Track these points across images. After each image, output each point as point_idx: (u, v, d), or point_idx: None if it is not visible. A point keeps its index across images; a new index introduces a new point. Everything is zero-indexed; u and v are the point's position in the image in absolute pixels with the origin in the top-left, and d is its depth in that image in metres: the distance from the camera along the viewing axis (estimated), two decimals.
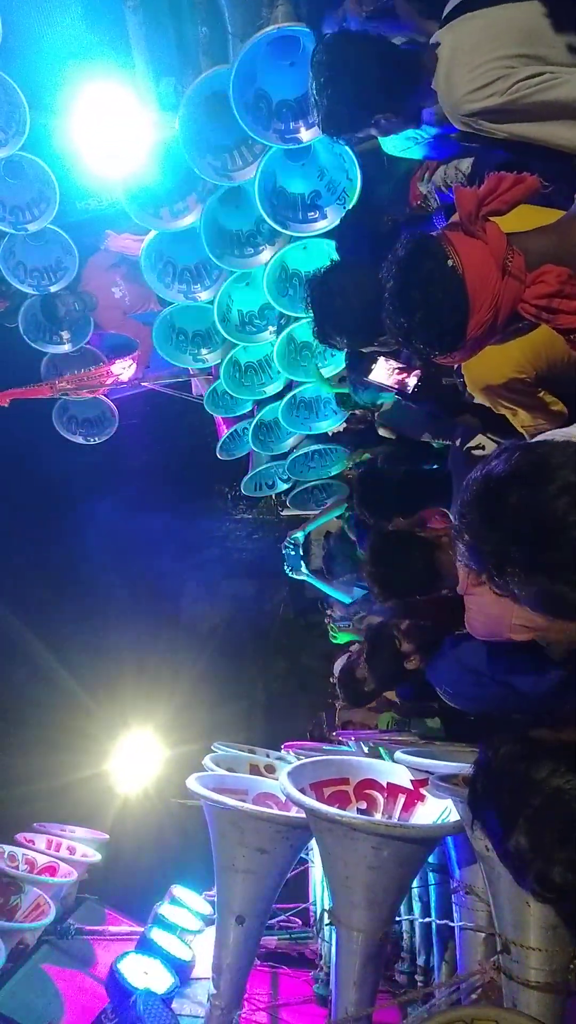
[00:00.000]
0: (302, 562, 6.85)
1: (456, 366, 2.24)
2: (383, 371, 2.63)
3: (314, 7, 3.61)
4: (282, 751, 4.50)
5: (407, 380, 2.57)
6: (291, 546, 6.71)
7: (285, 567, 6.90)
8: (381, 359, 2.61)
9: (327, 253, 4.41)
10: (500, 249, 1.52)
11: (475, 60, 1.85)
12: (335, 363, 4.88)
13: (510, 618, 2.42)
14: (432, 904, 3.19)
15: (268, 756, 4.13)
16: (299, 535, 6.73)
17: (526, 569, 1.23)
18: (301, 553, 6.73)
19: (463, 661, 2.88)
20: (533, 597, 1.28)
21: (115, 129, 4.18)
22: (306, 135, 3.75)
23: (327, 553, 6.41)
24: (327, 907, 2.99)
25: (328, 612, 7.61)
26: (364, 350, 2.66)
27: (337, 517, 6.61)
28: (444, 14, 2.02)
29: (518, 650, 2.55)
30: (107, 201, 4.91)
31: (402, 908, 3.17)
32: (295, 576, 6.95)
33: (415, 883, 3.08)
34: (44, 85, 4.40)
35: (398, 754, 2.72)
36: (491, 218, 1.55)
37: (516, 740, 1.58)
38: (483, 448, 2.83)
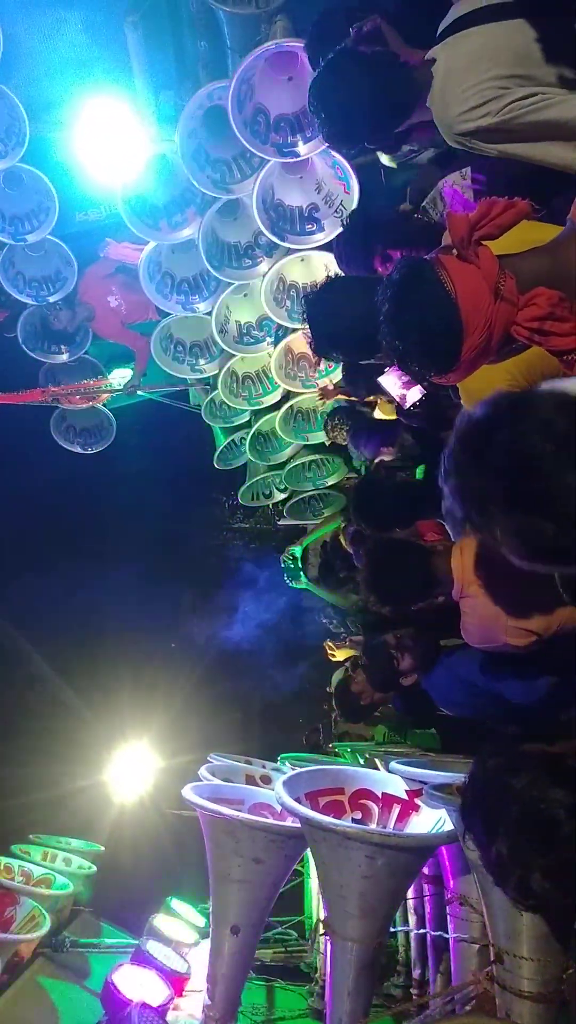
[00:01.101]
0: (301, 573, 6.88)
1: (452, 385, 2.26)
2: (391, 381, 2.66)
3: (312, 23, 3.68)
4: (278, 762, 4.50)
5: (409, 395, 2.60)
6: (289, 559, 6.75)
7: (285, 578, 6.93)
8: (391, 370, 2.64)
9: (325, 265, 4.46)
10: (492, 273, 1.55)
11: (470, 80, 1.88)
12: (331, 373, 4.92)
13: (505, 621, 2.44)
14: (427, 915, 3.18)
15: (264, 767, 4.12)
16: (297, 549, 6.77)
17: (505, 503, 1.25)
18: (300, 565, 6.77)
19: (456, 671, 2.90)
20: (514, 539, 1.29)
21: (114, 142, 4.23)
22: (304, 149, 3.79)
23: (323, 562, 6.43)
24: (321, 917, 2.99)
25: (325, 621, 7.62)
26: (362, 363, 2.68)
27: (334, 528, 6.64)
28: (439, 31, 2.05)
29: (509, 661, 2.56)
30: (106, 212, 4.95)
31: (397, 920, 3.16)
32: (295, 586, 6.98)
33: (409, 894, 3.08)
34: (44, 98, 4.44)
35: (393, 764, 2.72)
36: (483, 242, 1.58)
37: (504, 752, 1.60)
38: None
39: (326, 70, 2.13)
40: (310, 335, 2.45)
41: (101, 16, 4.23)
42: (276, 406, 5.60)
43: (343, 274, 2.91)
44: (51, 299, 5.24)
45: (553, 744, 1.70)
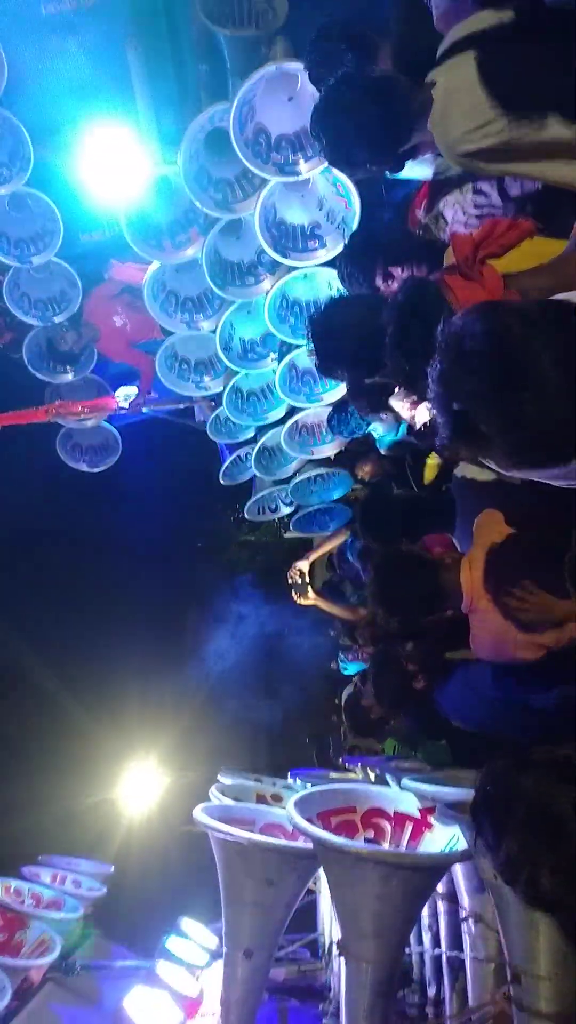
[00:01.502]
0: (308, 588, 6.89)
1: None
2: (399, 402, 2.68)
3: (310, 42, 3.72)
4: (289, 779, 4.48)
5: (418, 414, 2.61)
6: (297, 575, 6.76)
7: (293, 594, 6.93)
8: (399, 390, 2.66)
9: (328, 282, 4.49)
10: (497, 292, 1.57)
11: (470, 101, 1.90)
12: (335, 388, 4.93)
13: (515, 635, 2.44)
14: (442, 934, 3.15)
15: (275, 784, 4.11)
16: (304, 566, 6.78)
17: (487, 392, 1.27)
18: (307, 580, 6.77)
19: (472, 684, 2.88)
20: (499, 433, 1.30)
21: (117, 164, 4.27)
22: (305, 168, 3.82)
23: (329, 580, 6.45)
24: (335, 938, 2.96)
25: (333, 634, 7.60)
26: (366, 381, 2.70)
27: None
28: (438, 54, 2.07)
29: (526, 669, 2.55)
30: (110, 233, 4.99)
31: (411, 939, 3.13)
32: (303, 603, 6.98)
33: (424, 912, 3.05)
34: (48, 122, 4.49)
35: (405, 781, 2.70)
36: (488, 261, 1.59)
37: (512, 754, 1.62)
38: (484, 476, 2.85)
39: (327, 96, 2.15)
40: (314, 354, 2.47)
41: (103, 40, 4.29)
42: (281, 421, 5.62)
43: (346, 292, 2.92)
44: (56, 319, 5.28)
45: (562, 747, 1.72)
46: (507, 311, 1.29)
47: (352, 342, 2.36)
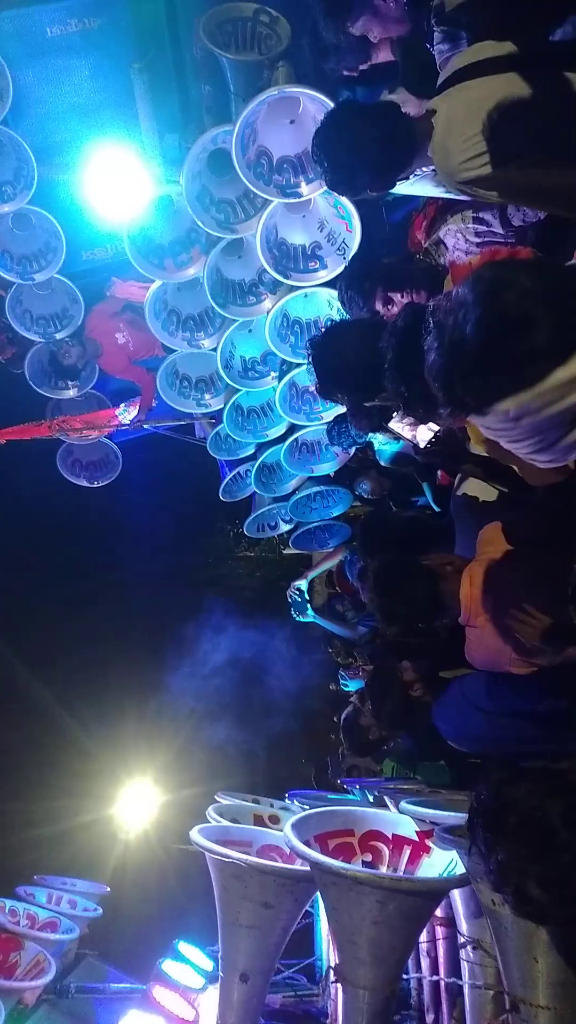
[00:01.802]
0: (308, 606, 6.89)
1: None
2: (399, 425, 2.69)
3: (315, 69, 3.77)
4: (286, 799, 4.44)
5: (419, 434, 2.62)
6: (296, 593, 6.77)
7: (292, 612, 6.92)
8: (399, 413, 2.67)
9: (328, 301, 4.52)
10: None
11: (470, 130, 1.93)
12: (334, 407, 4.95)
13: (510, 654, 2.43)
14: (440, 960, 3.11)
15: (272, 806, 4.07)
16: (303, 584, 6.79)
17: (481, 358, 1.35)
18: (307, 598, 6.77)
19: (471, 698, 2.85)
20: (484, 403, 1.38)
21: (121, 183, 4.31)
22: (306, 190, 3.85)
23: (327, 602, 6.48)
24: (332, 964, 2.93)
25: (331, 651, 7.58)
26: (367, 404, 2.71)
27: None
28: (439, 83, 2.10)
29: (521, 680, 2.53)
30: (113, 251, 5.02)
31: (409, 964, 3.09)
32: (302, 619, 6.98)
33: (422, 937, 3.01)
34: (52, 142, 4.53)
35: (403, 804, 2.68)
36: None
37: (506, 768, 1.64)
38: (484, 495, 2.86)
39: (329, 122, 2.17)
40: (315, 377, 2.48)
41: (108, 63, 4.33)
42: (281, 438, 5.63)
43: (346, 314, 2.94)
44: (58, 336, 5.31)
45: (556, 762, 1.75)
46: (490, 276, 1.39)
47: (352, 367, 2.37)
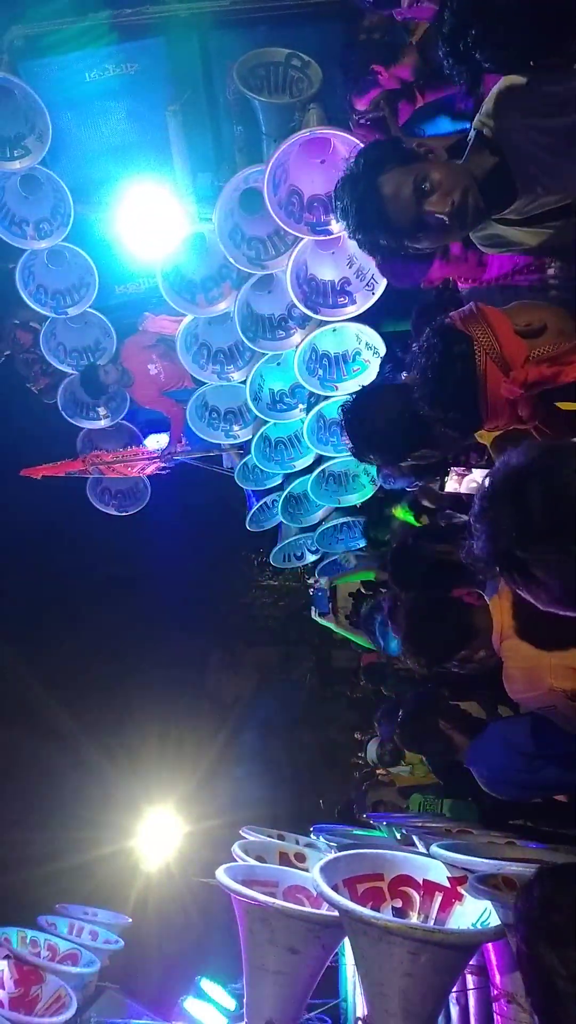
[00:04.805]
0: (329, 606, 6.83)
1: None
2: (455, 482, 2.72)
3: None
4: (312, 835, 4.37)
5: (463, 485, 2.64)
6: (319, 590, 6.71)
7: (312, 609, 6.87)
8: (453, 472, 2.71)
9: (356, 335, 4.55)
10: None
11: None
12: None
13: (548, 659, 2.38)
14: (471, 1010, 3.02)
15: (298, 843, 4.00)
16: (324, 580, 6.72)
17: (542, 535, 1.32)
18: (329, 595, 6.71)
19: (511, 741, 2.79)
20: (546, 574, 1.34)
21: (154, 221, 4.40)
22: (336, 227, 3.89)
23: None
24: (360, 1015, 2.85)
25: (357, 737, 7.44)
26: (402, 464, 2.76)
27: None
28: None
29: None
30: (145, 286, 5.12)
31: (439, 1017, 3.00)
32: (320, 620, 6.91)
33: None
34: (89, 180, 4.66)
35: (434, 848, 2.62)
36: None
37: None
38: None
39: (352, 169, 2.18)
40: (348, 441, 2.54)
41: (144, 106, 4.46)
42: (308, 469, 5.65)
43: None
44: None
45: None
46: (565, 459, 1.37)
47: (381, 430, 2.44)
